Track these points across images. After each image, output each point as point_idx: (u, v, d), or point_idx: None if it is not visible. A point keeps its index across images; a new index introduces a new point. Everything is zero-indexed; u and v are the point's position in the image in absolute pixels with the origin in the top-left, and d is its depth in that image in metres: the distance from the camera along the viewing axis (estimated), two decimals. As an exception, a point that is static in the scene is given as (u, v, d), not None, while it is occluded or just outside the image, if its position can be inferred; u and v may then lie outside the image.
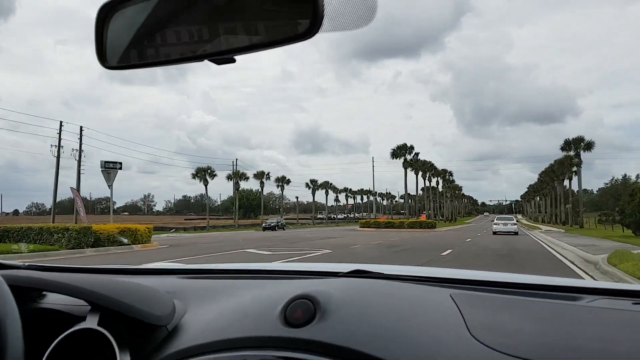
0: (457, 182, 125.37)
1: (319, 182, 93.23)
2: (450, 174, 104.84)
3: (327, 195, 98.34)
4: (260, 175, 78.48)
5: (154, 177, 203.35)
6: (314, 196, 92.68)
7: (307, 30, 0.65)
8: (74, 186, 40.82)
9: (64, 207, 76.64)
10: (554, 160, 73.89)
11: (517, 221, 41.25)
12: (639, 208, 27.59)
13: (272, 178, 79.70)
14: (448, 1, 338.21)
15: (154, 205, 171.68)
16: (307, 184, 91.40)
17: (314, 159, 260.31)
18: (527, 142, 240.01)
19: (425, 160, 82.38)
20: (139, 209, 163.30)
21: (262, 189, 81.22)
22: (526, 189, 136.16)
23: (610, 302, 1.03)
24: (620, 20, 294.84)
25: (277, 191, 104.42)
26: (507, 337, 0.80)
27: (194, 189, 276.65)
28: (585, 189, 64.11)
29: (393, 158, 71.18)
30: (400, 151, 71.48)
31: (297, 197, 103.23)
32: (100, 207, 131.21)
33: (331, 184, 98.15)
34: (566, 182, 68.80)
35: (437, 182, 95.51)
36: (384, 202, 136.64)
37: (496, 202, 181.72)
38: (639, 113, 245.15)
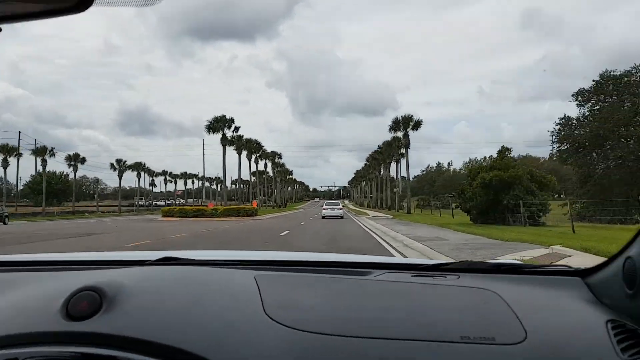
0: (293, 169, 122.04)
1: (147, 166, 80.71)
2: (280, 156, 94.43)
3: (139, 179, 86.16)
4: (74, 158, 66.04)
5: None
6: (120, 179, 78.31)
7: (79, 2, 0.61)
8: None
9: None
10: (382, 143, 71.68)
11: (343, 206, 44.65)
12: (481, 191, 24.46)
13: (92, 161, 66.89)
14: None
15: None
16: (112, 165, 75.83)
17: (143, 142, 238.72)
18: (355, 133, 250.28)
19: (250, 139, 70.72)
20: None
21: (75, 172, 68.34)
22: (353, 175, 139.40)
23: (394, 275, 1.16)
24: (433, 24, 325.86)
25: (101, 175, 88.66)
26: (301, 313, 0.85)
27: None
28: (403, 177, 63.35)
29: (209, 132, 57.61)
30: (217, 124, 57.29)
31: (97, 180, 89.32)
32: None
33: (144, 164, 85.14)
34: (393, 166, 68.34)
35: (265, 165, 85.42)
36: (219, 188, 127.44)
37: (326, 189, 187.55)
38: (444, 110, 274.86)
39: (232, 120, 58.16)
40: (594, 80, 42.27)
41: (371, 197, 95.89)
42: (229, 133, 57.61)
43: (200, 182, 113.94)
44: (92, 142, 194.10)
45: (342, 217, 34.49)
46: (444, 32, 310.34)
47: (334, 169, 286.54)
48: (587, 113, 42.81)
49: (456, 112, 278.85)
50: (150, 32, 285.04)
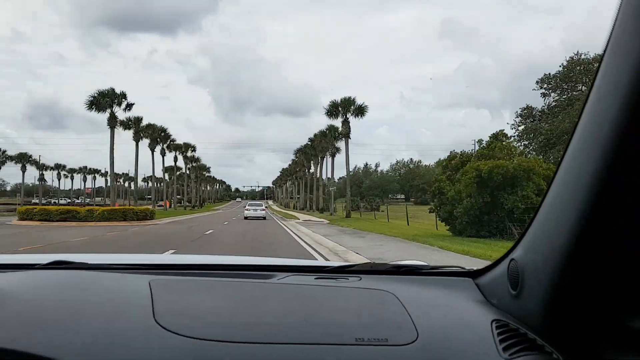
0: (216, 168, 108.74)
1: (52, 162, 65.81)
2: (194, 149, 78.48)
3: (23, 173, 71.95)
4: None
5: None
6: (23, 173, 64.52)
7: None
8: None
9: None
10: (314, 134, 61.47)
11: (267, 207, 43.97)
12: (474, 189, 16.31)
13: None
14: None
15: None
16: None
17: (53, 136, 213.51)
18: (280, 133, 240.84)
19: (153, 124, 55.80)
20: None
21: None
22: (279, 173, 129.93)
23: (298, 278, 1.14)
24: (356, 29, 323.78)
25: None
26: (195, 320, 0.81)
27: None
28: (329, 177, 55.28)
29: (92, 110, 41.12)
30: (103, 100, 41.09)
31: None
32: None
33: (31, 157, 71.15)
34: (325, 162, 59.95)
35: (175, 159, 71.07)
36: (132, 187, 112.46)
37: (250, 189, 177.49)
38: (367, 114, 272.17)
39: (123, 96, 42.34)
40: (561, 65, 37.27)
41: (298, 198, 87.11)
42: (121, 114, 43.43)
43: (120, 180, 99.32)
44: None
45: (264, 218, 34.77)
46: (367, 37, 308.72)
47: (258, 169, 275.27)
48: (554, 103, 37.61)
49: (378, 116, 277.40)
50: (63, 20, 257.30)
